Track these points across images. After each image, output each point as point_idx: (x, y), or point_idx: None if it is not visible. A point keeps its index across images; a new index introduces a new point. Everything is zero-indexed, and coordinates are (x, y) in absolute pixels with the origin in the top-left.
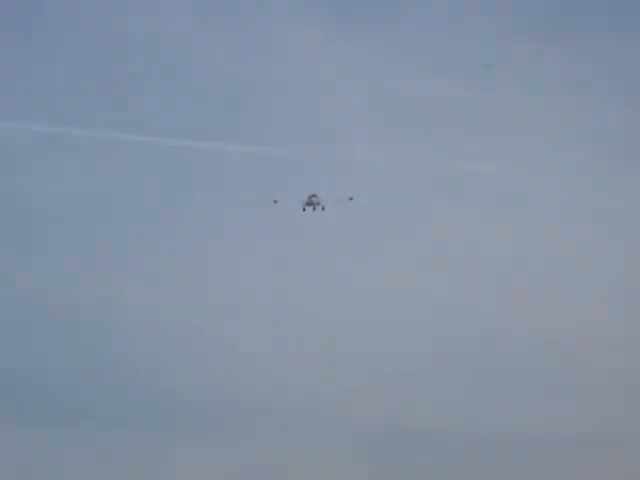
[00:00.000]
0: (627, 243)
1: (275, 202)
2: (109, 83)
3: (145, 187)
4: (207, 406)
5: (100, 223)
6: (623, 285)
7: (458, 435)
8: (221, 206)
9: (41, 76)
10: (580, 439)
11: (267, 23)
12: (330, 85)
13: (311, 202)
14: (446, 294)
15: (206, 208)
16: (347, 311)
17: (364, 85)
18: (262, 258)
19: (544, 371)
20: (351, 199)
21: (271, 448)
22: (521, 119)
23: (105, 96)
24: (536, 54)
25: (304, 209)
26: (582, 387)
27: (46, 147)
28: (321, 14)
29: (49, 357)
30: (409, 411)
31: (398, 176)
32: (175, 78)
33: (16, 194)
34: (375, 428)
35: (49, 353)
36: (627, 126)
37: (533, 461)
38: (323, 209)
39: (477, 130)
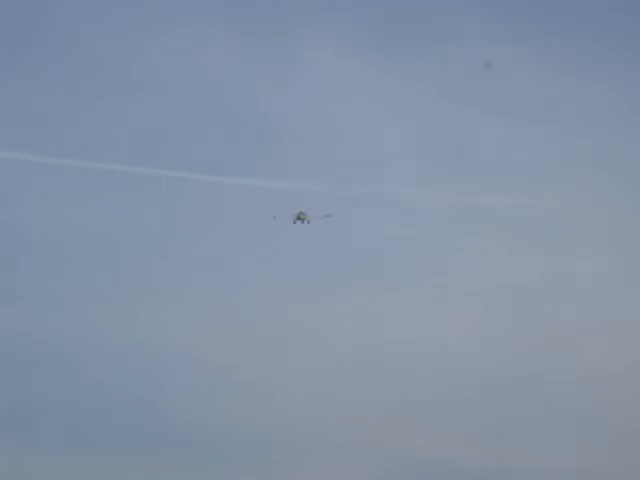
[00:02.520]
0: None
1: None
2: (148, 119)
3: (181, 221)
4: (234, 440)
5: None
6: None
7: (489, 471)
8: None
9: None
10: (613, 476)
11: (310, 54)
12: (370, 118)
13: (299, 217)
14: (476, 325)
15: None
16: (373, 340)
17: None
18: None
19: (577, 406)
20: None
21: None
22: (553, 153)
23: (143, 133)
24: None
25: (294, 222)
26: (616, 423)
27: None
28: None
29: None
30: (441, 446)
31: (424, 209)
32: (212, 112)
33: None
34: (405, 462)
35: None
36: None
37: None
38: (309, 223)
39: (506, 164)
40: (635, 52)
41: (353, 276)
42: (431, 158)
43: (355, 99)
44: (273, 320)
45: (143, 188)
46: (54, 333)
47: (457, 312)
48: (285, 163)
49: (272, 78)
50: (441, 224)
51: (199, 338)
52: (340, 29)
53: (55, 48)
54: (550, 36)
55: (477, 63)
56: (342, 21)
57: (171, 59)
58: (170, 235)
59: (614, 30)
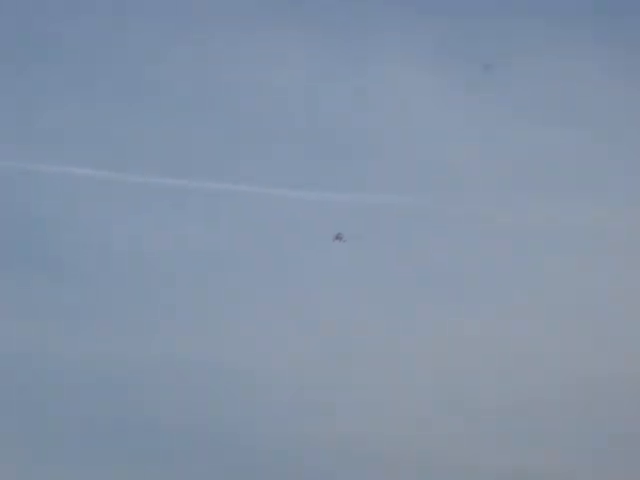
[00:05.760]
0: None
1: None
2: (213, 134)
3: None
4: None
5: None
6: None
7: None
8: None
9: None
10: None
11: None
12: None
13: (338, 237)
14: (559, 342)
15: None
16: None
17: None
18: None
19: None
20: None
21: None
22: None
23: (209, 148)
24: None
25: (334, 241)
26: None
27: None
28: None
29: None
30: (533, 457)
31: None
32: (280, 125)
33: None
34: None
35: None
36: None
37: None
38: (345, 241)
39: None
40: None
41: (432, 294)
42: (509, 173)
43: (429, 113)
44: (350, 340)
45: (213, 203)
46: (142, 356)
47: (537, 329)
48: (360, 177)
49: (341, 90)
50: (521, 240)
51: (272, 359)
52: (415, 42)
53: (135, 64)
54: None
55: (554, 75)
56: (417, 34)
57: (242, 71)
58: (244, 251)
59: None
